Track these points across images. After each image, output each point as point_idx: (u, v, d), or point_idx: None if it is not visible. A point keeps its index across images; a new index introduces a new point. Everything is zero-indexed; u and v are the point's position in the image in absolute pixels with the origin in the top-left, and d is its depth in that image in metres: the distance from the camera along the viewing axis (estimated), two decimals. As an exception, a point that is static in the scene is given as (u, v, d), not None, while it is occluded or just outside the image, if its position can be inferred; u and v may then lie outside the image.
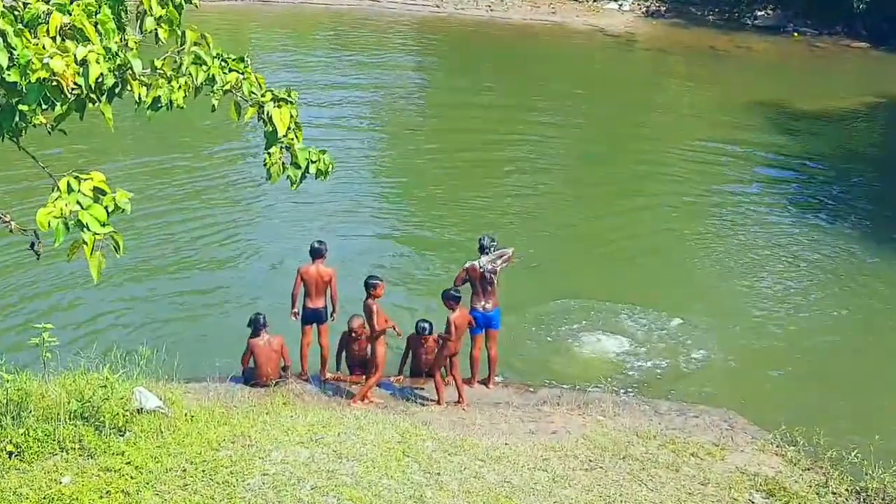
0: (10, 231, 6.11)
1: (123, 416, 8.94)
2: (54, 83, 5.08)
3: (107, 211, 5.14)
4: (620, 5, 36.08)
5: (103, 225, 5.07)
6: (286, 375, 11.15)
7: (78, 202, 5.08)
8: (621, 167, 20.60)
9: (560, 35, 33.25)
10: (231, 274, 14.76)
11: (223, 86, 6.09)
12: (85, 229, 5.04)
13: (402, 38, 32.29)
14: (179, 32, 5.95)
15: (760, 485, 9.18)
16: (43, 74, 5.02)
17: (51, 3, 5.24)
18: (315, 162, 6.31)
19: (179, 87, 5.92)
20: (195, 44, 6.00)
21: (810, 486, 9.30)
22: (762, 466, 9.59)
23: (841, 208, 18.37)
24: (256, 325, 11.02)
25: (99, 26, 5.33)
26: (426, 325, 11.21)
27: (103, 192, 5.22)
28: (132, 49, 5.74)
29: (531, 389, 11.47)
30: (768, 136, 22.49)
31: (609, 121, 24.03)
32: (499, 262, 11.23)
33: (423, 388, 11.25)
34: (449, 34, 32.92)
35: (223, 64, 6.10)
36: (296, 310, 11.36)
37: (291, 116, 6.21)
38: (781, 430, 10.23)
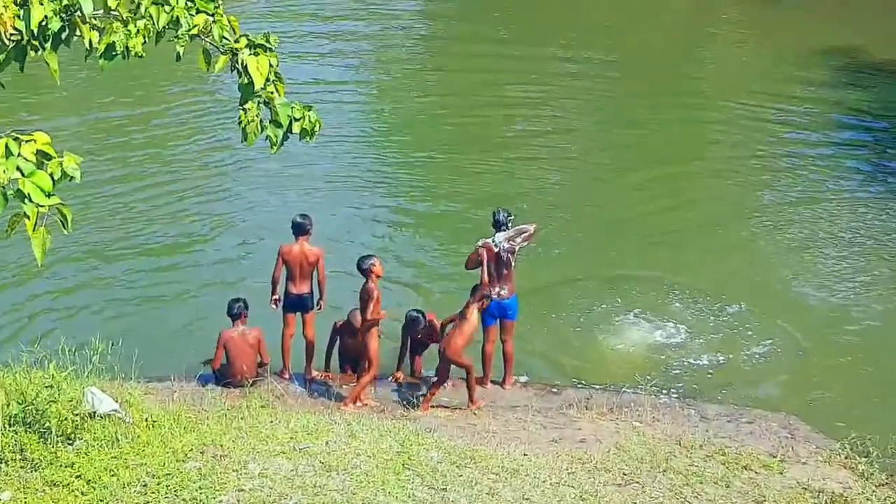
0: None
1: (73, 421, 8.96)
2: (-11, 28, 5.08)
3: (52, 179, 5.14)
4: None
5: (48, 195, 5.07)
6: (264, 373, 11.19)
7: (18, 168, 5.08)
8: (662, 127, 20.49)
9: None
10: (199, 254, 14.79)
11: (189, 30, 6.07)
12: (26, 201, 5.04)
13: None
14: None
15: (825, 503, 9.19)
16: (-25, 17, 5.02)
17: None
18: (299, 120, 6.30)
19: (137, 31, 5.90)
20: (156, -20, 6.00)
21: (885, 505, 9.32)
22: (828, 481, 9.60)
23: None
24: (231, 312, 11.04)
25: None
26: (417, 315, 11.29)
27: (48, 157, 5.22)
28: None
29: (554, 390, 11.49)
30: (837, 91, 22.35)
31: (647, 74, 23.89)
32: (518, 239, 11.22)
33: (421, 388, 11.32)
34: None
35: (189, 4, 6.08)
36: (276, 296, 11.38)
37: (271, 66, 6.19)
38: (851, 438, 10.22)
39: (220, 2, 6.27)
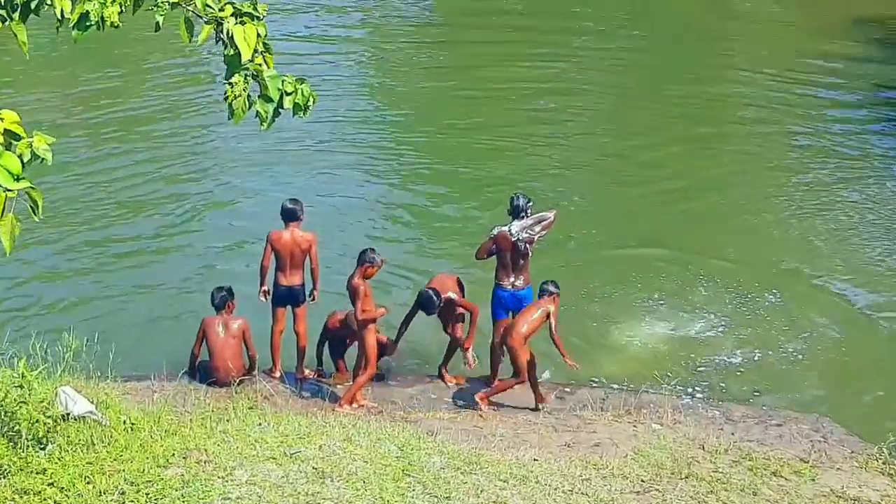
0: None
1: (45, 423, 8.96)
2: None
3: (21, 161, 5.13)
4: None
5: (17, 179, 5.06)
6: (252, 371, 11.20)
7: (-17, 149, 5.07)
8: (687, 99, 20.48)
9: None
10: (181, 241, 14.80)
11: (170, -4, 6.05)
12: (-7, 184, 5.03)
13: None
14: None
15: (862, 512, 9.21)
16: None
17: None
18: (291, 94, 6.27)
19: (113, -1, 5.89)
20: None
21: (926, 515, 9.32)
22: (864, 489, 9.59)
23: None
24: (215, 302, 11.04)
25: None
26: (431, 294, 11.30)
27: (17, 137, 5.20)
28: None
29: (567, 390, 11.51)
30: (877, 65, 22.28)
31: (672, 49, 23.84)
32: (536, 228, 11.25)
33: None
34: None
35: (170, -31, 6.07)
36: (265, 287, 11.37)
37: (259, 36, 6.16)
38: (889, 441, 10.23)
39: (203, -33, 6.26)
